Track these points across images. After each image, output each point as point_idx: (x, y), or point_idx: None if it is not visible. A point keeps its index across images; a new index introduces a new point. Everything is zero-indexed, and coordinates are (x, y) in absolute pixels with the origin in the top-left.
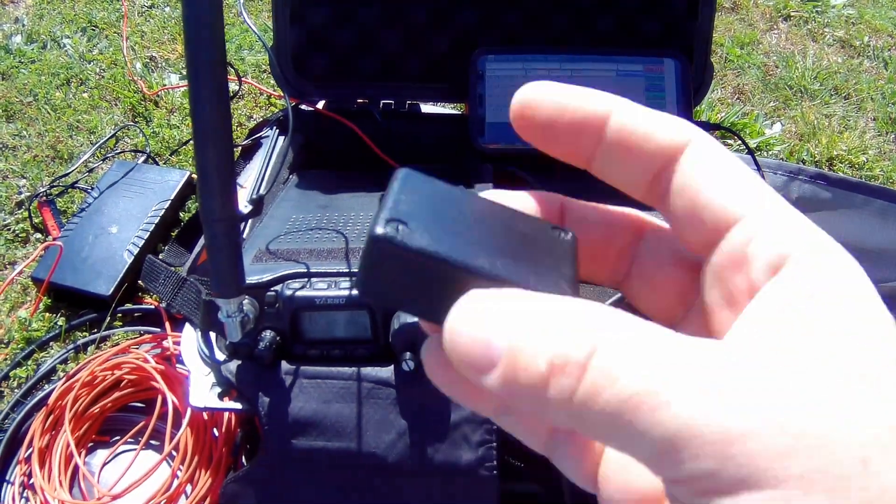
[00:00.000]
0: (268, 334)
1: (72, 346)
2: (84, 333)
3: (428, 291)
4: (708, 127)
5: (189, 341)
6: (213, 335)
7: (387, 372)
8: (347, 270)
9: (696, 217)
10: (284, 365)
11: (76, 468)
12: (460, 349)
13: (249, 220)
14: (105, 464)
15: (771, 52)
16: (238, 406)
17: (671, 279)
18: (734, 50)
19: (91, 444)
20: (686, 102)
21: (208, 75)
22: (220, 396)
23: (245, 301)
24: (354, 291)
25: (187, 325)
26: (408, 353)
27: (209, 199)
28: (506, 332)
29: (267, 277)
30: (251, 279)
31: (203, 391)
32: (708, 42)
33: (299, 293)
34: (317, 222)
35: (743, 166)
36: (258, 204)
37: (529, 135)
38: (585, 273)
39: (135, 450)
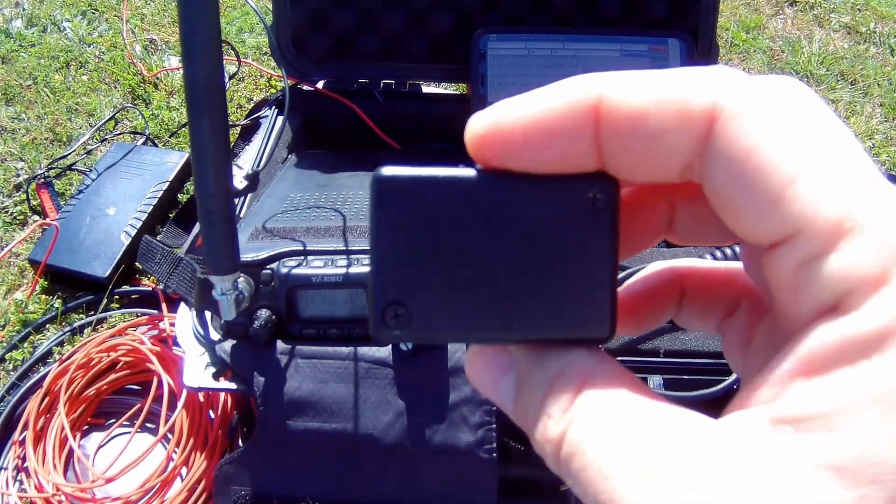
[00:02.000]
0: (263, 313)
1: (68, 328)
2: (81, 316)
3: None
4: None
5: (184, 321)
6: (208, 315)
7: (384, 352)
8: (345, 248)
9: (750, 199)
10: (280, 344)
11: (71, 451)
12: (475, 383)
13: (247, 200)
14: (100, 447)
15: (777, 37)
16: (233, 386)
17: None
18: (740, 34)
19: (86, 427)
20: None
21: (202, 44)
22: (215, 377)
23: (240, 279)
24: (352, 269)
25: (182, 305)
26: None
27: (203, 173)
28: (504, 399)
29: (263, 255)
30: (246, 257)
31: (198, 371)
32: (713, 21)
33: (295, 271)
34: (315, 201)
35: (801, 125)
36: (253, 179)
37: (502, 165)
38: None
39: (130, 432)
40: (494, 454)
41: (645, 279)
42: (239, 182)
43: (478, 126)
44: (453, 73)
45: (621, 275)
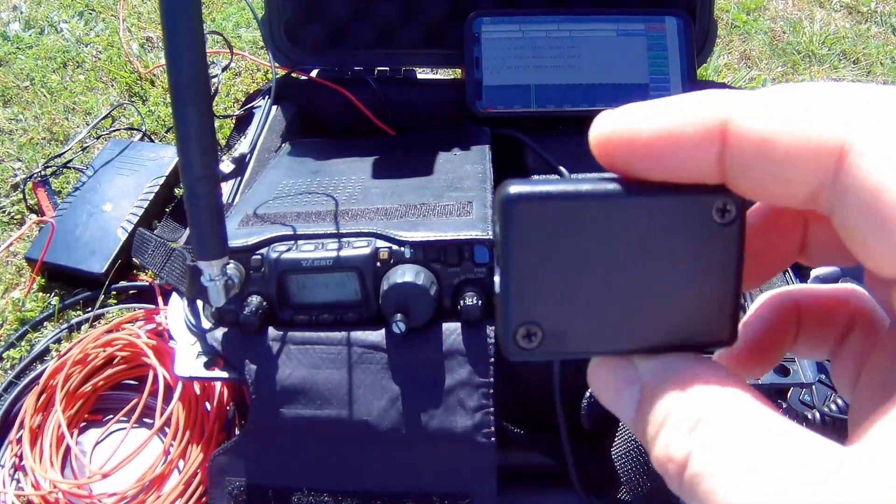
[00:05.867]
0: (254, 299)
1: (65, 325)
2: (78, 312)
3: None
4: (716, 86)
5: (176, 312)
6: (201, 305)
7: (377, 335)
8: (335, 232)
9: (884, 236)
10: (272, 331)
11: (68, 448)
12: (597, 392)
13: (240, 189)
14: (97, 443)
15: (778, 18)
16: (225, 375)
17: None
18: (740, 16)
19: (84, 424)
20: (689, 62)
21: (183, 28)
22: (207, 366)
23: (230, 265)
24: (342, 252)
25: (174, 296)
26: (398, 315)
27: (188, 157)
28: (624, 411)
29: (252, 240)
30: (236, 243)
31: (189, 361)
32: None
33: (285, 255)
34: (307, 187)
35: None
36: (240, 163)
37: (623, 168)
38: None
39: (127, 428)
40: (493, 438)
41: (761, 313)
42: (226, 166)
43: (605, 128)
44: (448, 59)
45: None
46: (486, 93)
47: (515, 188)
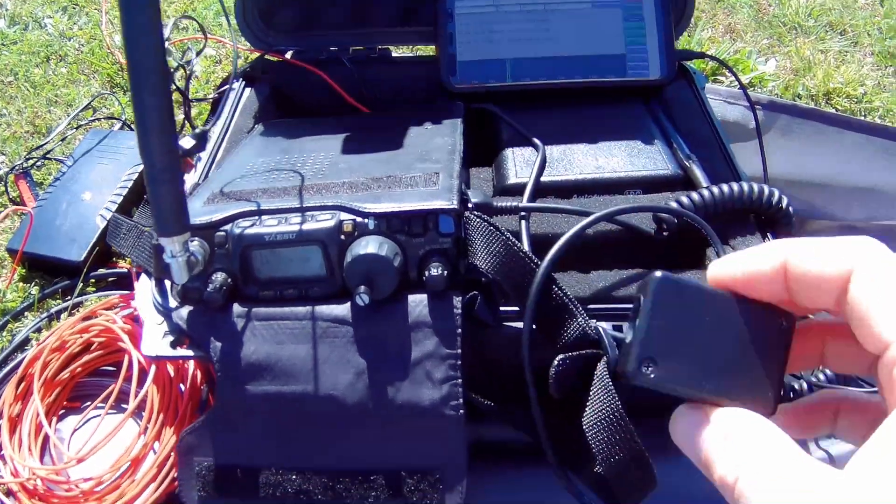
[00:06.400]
0: (218, 276)
1: (45, 314)
2: (58, 301)
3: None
4: (700, 56)
5: (143, 292)
6: (169, 285)
7: (342, 309)
8: (299, 206)
9: (865, 334)
10: (236, 308)
11: (47, 435)
12: (677, 440)
13: (210, 170)
14: (75, 430)
15: None
16: (191, 353)
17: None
18: None
19: (62, 411)
20: (667, 33)
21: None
22: (173, 345)
23: (194, 242)
24: (305, 226)
25: (142, 276)
26: (362, 287)
27: (146, 132)
28: (697, 451)
29: (217, 217)
30: (201, 219)
31: (156, 340)
32: None
33: (248, 231)
34: (275, 164)
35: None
36: (200, 139)
37: (734, 289)
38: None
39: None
40: (461, 411)
41: (810, 398)
42: (186, 142)
43: (714, 273)
44: (422, 36)
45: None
46: (461, 68)
47: (664, 273)
